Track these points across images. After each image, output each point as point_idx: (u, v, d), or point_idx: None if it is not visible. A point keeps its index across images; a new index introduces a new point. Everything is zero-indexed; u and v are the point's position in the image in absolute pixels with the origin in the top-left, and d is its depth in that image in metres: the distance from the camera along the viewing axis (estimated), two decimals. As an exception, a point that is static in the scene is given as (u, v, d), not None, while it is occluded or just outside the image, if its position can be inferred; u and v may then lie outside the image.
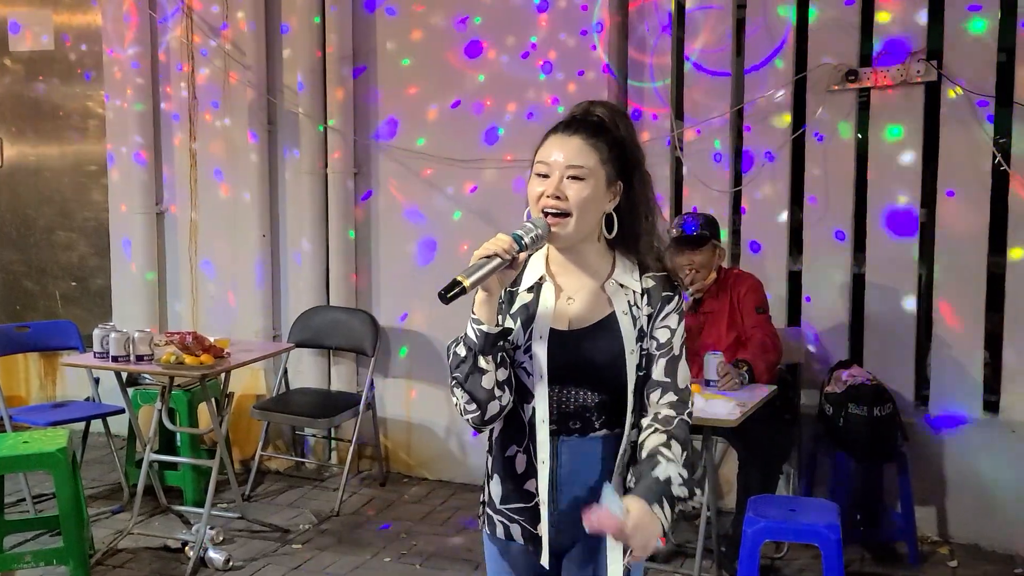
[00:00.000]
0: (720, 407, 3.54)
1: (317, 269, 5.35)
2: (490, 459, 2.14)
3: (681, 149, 4.74)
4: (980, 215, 4.29)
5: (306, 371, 5.40)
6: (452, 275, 1.90)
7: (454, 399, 2.02)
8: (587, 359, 2.01)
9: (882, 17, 4.38)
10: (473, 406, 1.98)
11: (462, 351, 1.98)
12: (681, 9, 4.73)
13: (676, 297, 2.06)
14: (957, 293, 4.37)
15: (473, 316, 1.96)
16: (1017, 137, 4.23)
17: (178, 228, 5.68)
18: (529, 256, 2.03)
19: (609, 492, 1.88)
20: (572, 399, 2.03)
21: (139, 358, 4.19)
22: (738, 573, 3.45)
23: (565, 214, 1.99)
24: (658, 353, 2.04)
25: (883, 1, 4.36)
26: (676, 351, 2.05)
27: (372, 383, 5.13)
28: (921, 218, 4.45)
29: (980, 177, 4.27)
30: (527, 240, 1.95)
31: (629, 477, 2.02)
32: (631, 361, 2.01)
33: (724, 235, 4.47)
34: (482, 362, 1.95)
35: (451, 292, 1.87)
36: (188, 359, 4.14)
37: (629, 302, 2.04)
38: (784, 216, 4.64)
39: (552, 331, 2.02)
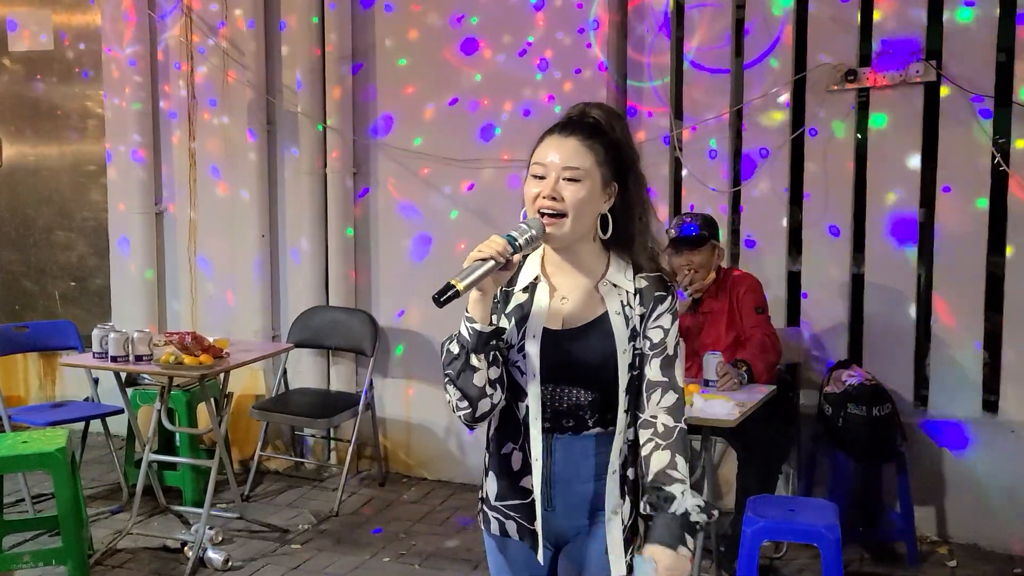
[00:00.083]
0: (719, 407, 3.53)
1: (316, 269, 5.35)
2: (487, 457, 2.17)
3: (680, 148, 4.74)
4: (979, 215, 4.29)
5: (305, 371, 5.40)
6: (450, 274, 1.93)
7: (447, 396, 2.05)
8: (579, 358, 2.04)
9: (881, 17, 4.38)
10: (465, 403, 2.02)
11: (455, 348, 2.00)
12: (680, 8, 4.72)
13: (669, 297, 2.08)
14: (956, 293, 4.37)
15: (467, 314, 1.99)
16: (1016, 137, 4.22)
17: (177, 227, 5.68)
18: (524, 257, 2.07)
19: (640, 563, 1.95)
20: (566, 397, 2.05)
21: (138, 358, 4.18)
22: (737, 573, 3.45)
23: (561, 215, 2.01)
24: (651, 353, 2.06)
25: (882, 1, 4.37)
26: (671, 351, 2.07)
27: (371, 383, 5.13)
28: (920, 218, 4.45)
29: (979, 177, 4.27)
30: (521, 242, 1.97)
31: (643, 505, 2.05)
32: (623, 360, 2.03)
33: (723, 235, 4.47)
34: (474, 360, 1.98)
35: (445, 296, 1.90)
36: (187, 359, 4.14)
37: (622, 302, 2.06)
38: (783, 216, 4.64)
39: (545, 330, 2.05)
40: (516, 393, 2.07)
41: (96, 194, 5.92)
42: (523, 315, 2.06)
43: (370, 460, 5.36)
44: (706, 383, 3.83)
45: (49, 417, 4.87)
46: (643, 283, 2.08)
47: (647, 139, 4.73)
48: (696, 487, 2.09)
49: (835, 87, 4.44)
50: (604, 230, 2.07)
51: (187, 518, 4.62)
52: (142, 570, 4.18)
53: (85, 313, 5.88)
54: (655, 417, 2.04)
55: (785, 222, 4.64)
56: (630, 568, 2.04)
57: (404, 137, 5.17)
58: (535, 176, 2.04)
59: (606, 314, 2.05)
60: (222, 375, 4.47)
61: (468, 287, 1.92)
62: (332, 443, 5.47)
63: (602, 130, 2.05)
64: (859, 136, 4.53)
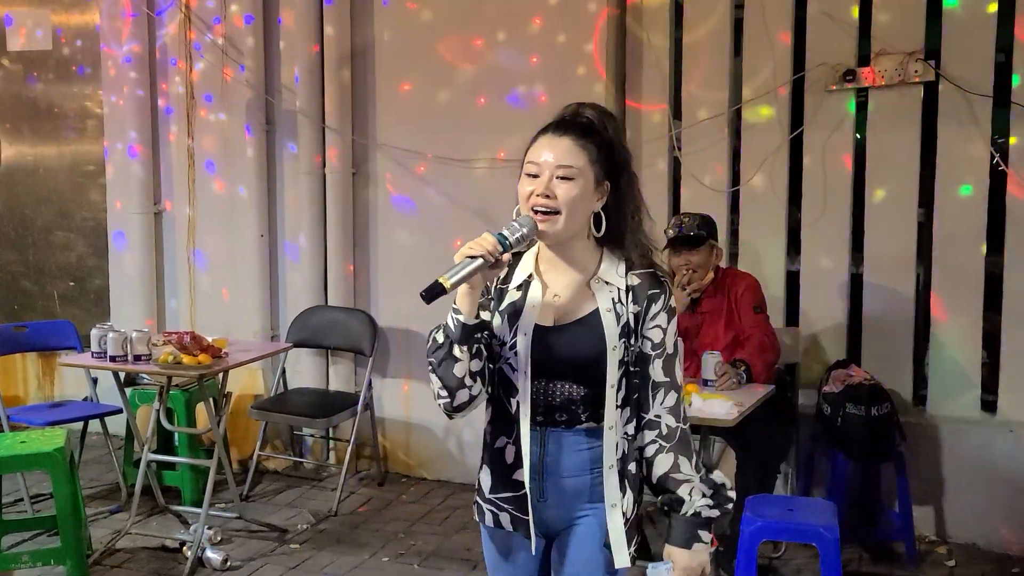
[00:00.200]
0: (718, 407, 3.54)
1: (315, 268, 5.35)
2: (483, 451, 2.22)
3: (679, 148, 4.73)
4: (977, 215, 4.29)
5: (304, 371, 5.40)
6: (448, 271, 1.96)
7: (432, 385, 2.10)
8: (570, 354, 2.08)
9: (880, 17, 4.37)
10: (444, 392, 2.07)
11: (440, 337, 2.06)
12: (680, 6, 4.72)
13: (663, 295, 2.11)
14: (955, 293, 4.37)
15: (454, 306, 2.03)
16: (1014, 137, 4.22)
17: (175, 225, 5.67)
18: (515, 254, 2.12)
19: (658, 566, 2.06)
20: (558, 392, 2.09)
21: (137, 358, 4.18)
22: (736, 573, 3.45)
23: (554, 212, 2.05)
24: (653, 353, 2.10)
25: (881, 1, 4.36)
26: (671, 350, 2.11)
27: (370, 383, 5.13)
28: (919, 218, 4.45)
29: (977, 177, 4.27)
30: (512, 240, 2.01)
31: (659, 504, 2.13)
32: (613, 357, 2.06)
33: (721, 235, 4.47)
34: (456, 351, 2.03)
35: (432, 293, 1.94)
36: (186, 359, 4.14)
37: (613, 299, 2.09)
38: (782, 216, 4.64)
39: (537, 327, 2.09)
40: (509, 389, 2.12)
41: (95, 194, 5.92)
42: (515, 312, 2.10)
43: (369, 460, 5.35)
44: (705, 383, 3.83)
45: (48, 417, 4.87)
46: (635, 280, 2.11)
47: (645, 138, 4.73)
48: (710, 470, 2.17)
49: (834, 87, 4.43)
50: (597, 228, 2.10)
51: (186, 518, 4.62)
52: (141, 570, 4.18)
53: (84, 313, 5.87)
54: (659, 417, 2.09)
55: (784, 222, 4.64)
56: (634, 560, 2.11)
57: (400, 134, 5.15)
58: (529, 175, 2.08)
59: (597, 311, 2.08)
60: (221, 375, 4.47)
61: (455, 284, 1.96)
62: (331, 443, 5.46)
63: (595, 130, 2.09)
64: (858, 136, 4.53)
